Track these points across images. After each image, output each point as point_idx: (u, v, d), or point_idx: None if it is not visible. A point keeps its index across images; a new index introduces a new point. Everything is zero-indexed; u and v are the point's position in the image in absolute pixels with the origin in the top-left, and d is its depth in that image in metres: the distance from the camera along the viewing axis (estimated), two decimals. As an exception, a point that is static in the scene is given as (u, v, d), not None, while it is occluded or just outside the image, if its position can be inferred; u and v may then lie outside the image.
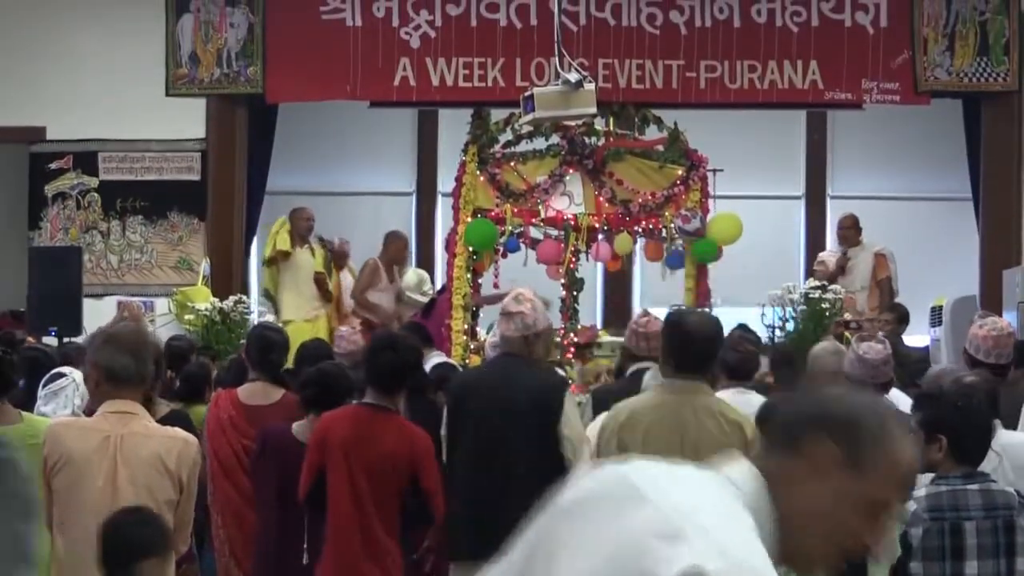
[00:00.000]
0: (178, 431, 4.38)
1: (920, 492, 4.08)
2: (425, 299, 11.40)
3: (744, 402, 5.14)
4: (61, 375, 5.50)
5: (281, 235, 11.23)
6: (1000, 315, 9.34)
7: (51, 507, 4.12)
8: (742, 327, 7.41)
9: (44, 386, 5.45)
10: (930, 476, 4.21)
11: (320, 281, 11.22)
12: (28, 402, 5.38)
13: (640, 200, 10.23)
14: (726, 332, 6.60)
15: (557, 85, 8.81)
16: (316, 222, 11.68)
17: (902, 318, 9.38)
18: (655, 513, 1.88)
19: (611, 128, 10.68)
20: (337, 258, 11.50)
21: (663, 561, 1.82)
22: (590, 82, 8.81)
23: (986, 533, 4.00)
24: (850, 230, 11.43)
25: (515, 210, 10.12)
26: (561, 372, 7.11)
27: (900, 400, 5.24)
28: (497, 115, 10.74)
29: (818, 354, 6.01)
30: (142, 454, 4.13)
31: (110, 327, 4.71)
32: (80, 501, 4.10)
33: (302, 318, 10.81)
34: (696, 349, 4.69)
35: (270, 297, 11.39)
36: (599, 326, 11.03)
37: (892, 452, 1.96)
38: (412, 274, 11.83)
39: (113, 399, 4.21)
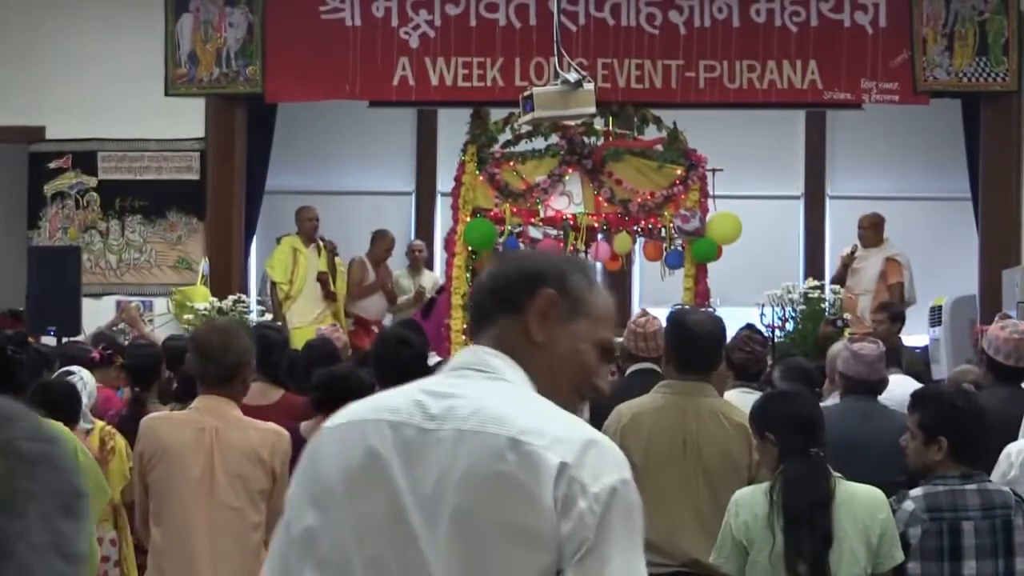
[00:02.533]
0: (270, 424, 4.52)
1: (918, 492, 4.08)
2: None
3: (749, 403, 5.12)
4: (70, 373, 5.52)
5: (292, 262, 11.25)
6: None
7: (146, 501, 4.34)
8: (750, 327, 7.37)
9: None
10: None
11: (323, 281, 11.25)
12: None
13: (639, 200, 10.24)
14: (733, 332, 6.59)
15: (556, 85, 8.81)
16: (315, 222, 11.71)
17: (895, 317, 9.32)
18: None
19: (610, 128, 10.70)
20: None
21: (532, 455, 1.87)
22: (589, 82, 8.81)
23: (984, 533, 4.01)
24: (867, 230, 11.22)
25: (514, 210, 10.13)
26: None
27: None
28: (496, 115, 10.75)
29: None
30: (237, 446, 4.30)
31: (197, 328, 4.88)
32: (178, 492, 4.27)
33: (308, 322, 10.79)
34: (698, 349, 4.66)
35: (277, 302, 11.38)
36: (598, 326, 11.02)
37: (600, 294, 2.14)
38: (427, 277, 11.92)
39: (202, 396, 4.42)
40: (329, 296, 11.27)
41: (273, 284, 11.45)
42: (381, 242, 11.80)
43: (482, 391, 1.99)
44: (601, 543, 1.84)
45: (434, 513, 1.89)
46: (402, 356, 5.30)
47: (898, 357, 7.00)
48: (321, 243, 11.45)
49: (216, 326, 4.81)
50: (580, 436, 1.92)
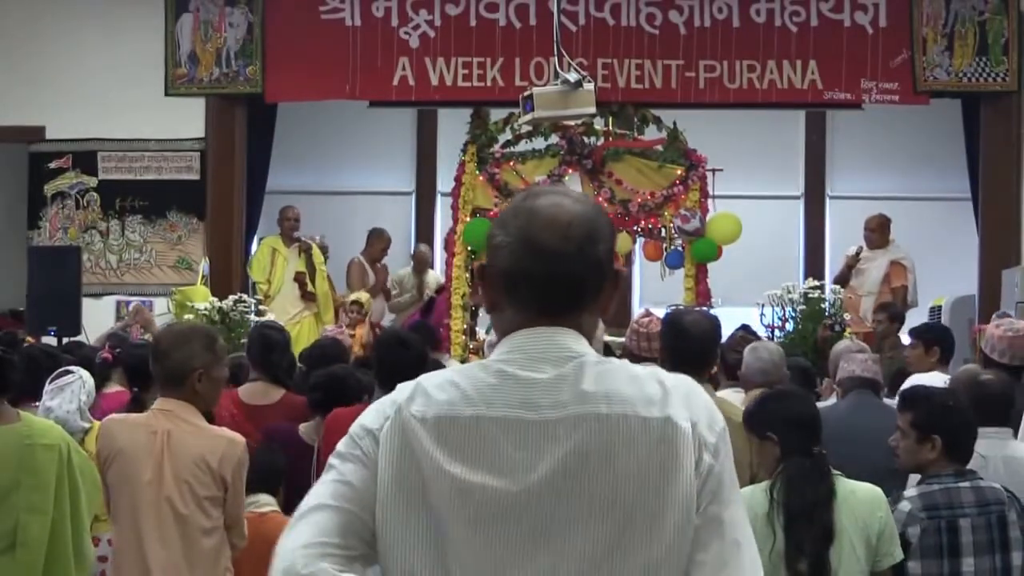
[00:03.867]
0: (224, 431, 4.49)
1: (912, 492, 4.09)
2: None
3: (743, 402, 5.13)
4: (68, 372, 5.52)
5: (270, 261, 11.26)
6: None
7: (108, 500, 4.36)
8: (744, 328, 7.38)
9: (51, 382, 5.48)
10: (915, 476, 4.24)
11: (300, 281, 11.22)
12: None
13: (639, 200, 10.24)
14: (729, 333, 6.60)
15: (556, 85, 8.80)
16: (315, 222, 11.68)
17: (894, 317, 9.30)
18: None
19: (610, 128, 10.70)
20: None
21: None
22: (589, 82, 8.80)
23: (981, 529, 4.03)
24: (874, 232, 11.14)
25: (514, 210, 10.10)
26: None
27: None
28: (496, 115, 10.76)
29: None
30: (186, 451, 4.27)
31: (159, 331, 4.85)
32: (129, 494, 4.28)
33: (284, 322, 10.72)
34: (693, 348, 4.66)
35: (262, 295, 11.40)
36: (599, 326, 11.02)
37: None
38: (430, 276, 11.90)
39: (160, 398, 4.39)
40: (307, 296, 11.24)
41: (255, 283, 11.45)
42: (377, 241, 11.79)
43: (576, 372, 1.93)
44: (720, 485, 1.94)
45: (571, 501, 1.88)
46: (402, 358, 5.30)
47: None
48: (299, 243, 11.39)
49: (172, 328, 4.77)
50: (684, 388, 1.96)
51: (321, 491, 1.98)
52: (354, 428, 2.01)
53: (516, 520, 1.88)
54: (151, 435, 4.27)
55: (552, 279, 1.95)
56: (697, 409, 1.94)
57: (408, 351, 5.34)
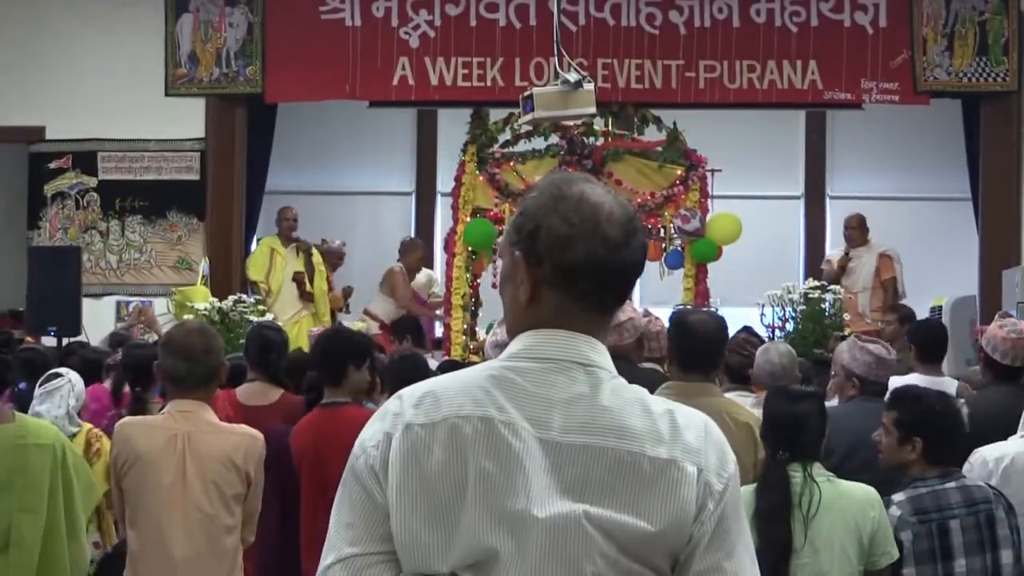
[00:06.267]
0: (244, 428, 4.52)
1: (901, 497, 4.07)
2: (437, 299, 11.46)
3: (744, 405, 5.11)
4: (58, 375, 5.51)
5: (269, 261, 11.26)
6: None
7: (123, 505, 4.36)
8: (747, 329, 7.33)
9: (40, 386, 5.47)
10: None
11: (298, 281, 11.21)
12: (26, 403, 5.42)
13: (639, 200, 10.25)
14: (731, 334, 6.56)
15: (556, 85, 8.78)
16: (315, 222, 11.67)
17: (904, 318, 9.27)
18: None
19: (610, 128, 10.71)
20: (329, 257, 11.53)
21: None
22: (589, 82, 8.79)
23: (970, 530, 4.02)
24: (854, 230, 11.31)
25: (514, 210, 10.11)
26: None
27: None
28: (496, 115, 10.76)
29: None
30: (210, 451, 4.29)
31: (170, 330, 4.82)
32: (151, 498, 4.28)
33: (283, 321, 10.68)
34: (699, 348, 4.64)
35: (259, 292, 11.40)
36: (598, 326, 11.02)
37: None
38: (423, 275, 11.86)
39: (176, 399, 4.37)
40: (305, 296, 11.24)
41: (253, 284, 11.44)
42: (413, 251, 11.67)
43: (588, 391, 1.87)
44: (724, 533, 1.88)
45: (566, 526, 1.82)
46: (325, 351, 5.23)
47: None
48: (297, 243, 11.38)
49: (192, 328, 4.74)
50: (697, 427, 1.90)
51: None
52: None
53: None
54: (171, 438, 4.28)
55: (618, 271, 1.91)
56: (707, 452, 1.87)
57: (335, 342, 5.24)
